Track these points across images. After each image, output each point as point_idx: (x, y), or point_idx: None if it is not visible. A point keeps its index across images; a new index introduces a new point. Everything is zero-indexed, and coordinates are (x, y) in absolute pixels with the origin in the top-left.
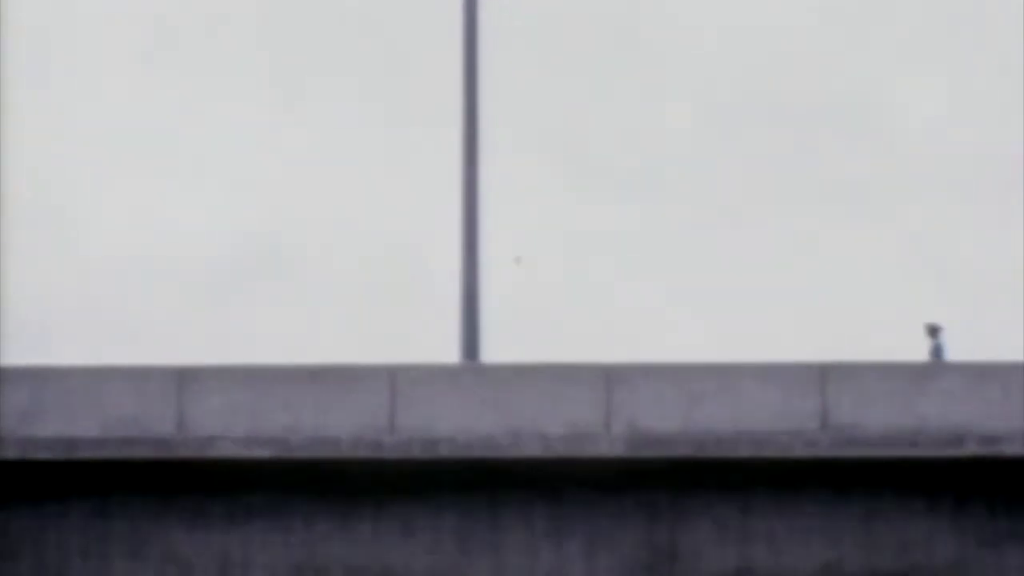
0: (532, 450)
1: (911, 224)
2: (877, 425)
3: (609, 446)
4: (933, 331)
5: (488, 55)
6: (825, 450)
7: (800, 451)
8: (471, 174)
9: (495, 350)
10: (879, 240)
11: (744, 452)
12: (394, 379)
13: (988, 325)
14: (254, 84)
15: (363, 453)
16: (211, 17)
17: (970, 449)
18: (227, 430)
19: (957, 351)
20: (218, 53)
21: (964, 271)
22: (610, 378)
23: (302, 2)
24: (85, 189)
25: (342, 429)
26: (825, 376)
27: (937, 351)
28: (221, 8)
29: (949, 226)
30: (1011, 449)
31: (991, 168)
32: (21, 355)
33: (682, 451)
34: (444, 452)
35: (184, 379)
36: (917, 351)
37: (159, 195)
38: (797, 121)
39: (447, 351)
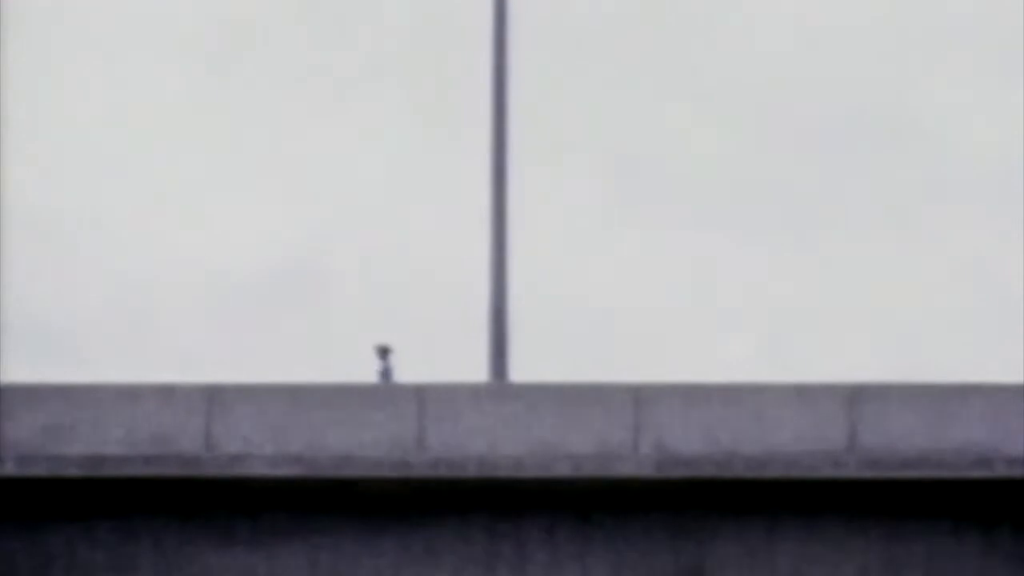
0: (559, 470)
1: (942, 243)
2: (905, 446)
3: (637, 466)
4: (383, 352)
5: (518, 71)
6: (853, 471)
7: (828, 472)
8: (500, 192)
9: (523, 370)
10: (912, 260)
11: (772, 473)
12: (422, 398)
13: (1017, 345)
14: (281, 105)
15: (391, 472)
16: (238, 28)
17: (998, 471)
18: (255, 448)
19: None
20: (248, 70)
21: (994, 291)
22: (638, 398)
23: (323, 18)
24: (116, 205)
25: (370, 448)
26: (853, 397)
27: (386, 373)
28: (247, 21)
29: (981, 246)
30: None
31: None
32: (49, 372)
33: (709, 471)
34: (472, 471)
35: (212, 397)
36: (947, 372)
37: (188, 215)
38: (835, 142)
39: (475, 370)
